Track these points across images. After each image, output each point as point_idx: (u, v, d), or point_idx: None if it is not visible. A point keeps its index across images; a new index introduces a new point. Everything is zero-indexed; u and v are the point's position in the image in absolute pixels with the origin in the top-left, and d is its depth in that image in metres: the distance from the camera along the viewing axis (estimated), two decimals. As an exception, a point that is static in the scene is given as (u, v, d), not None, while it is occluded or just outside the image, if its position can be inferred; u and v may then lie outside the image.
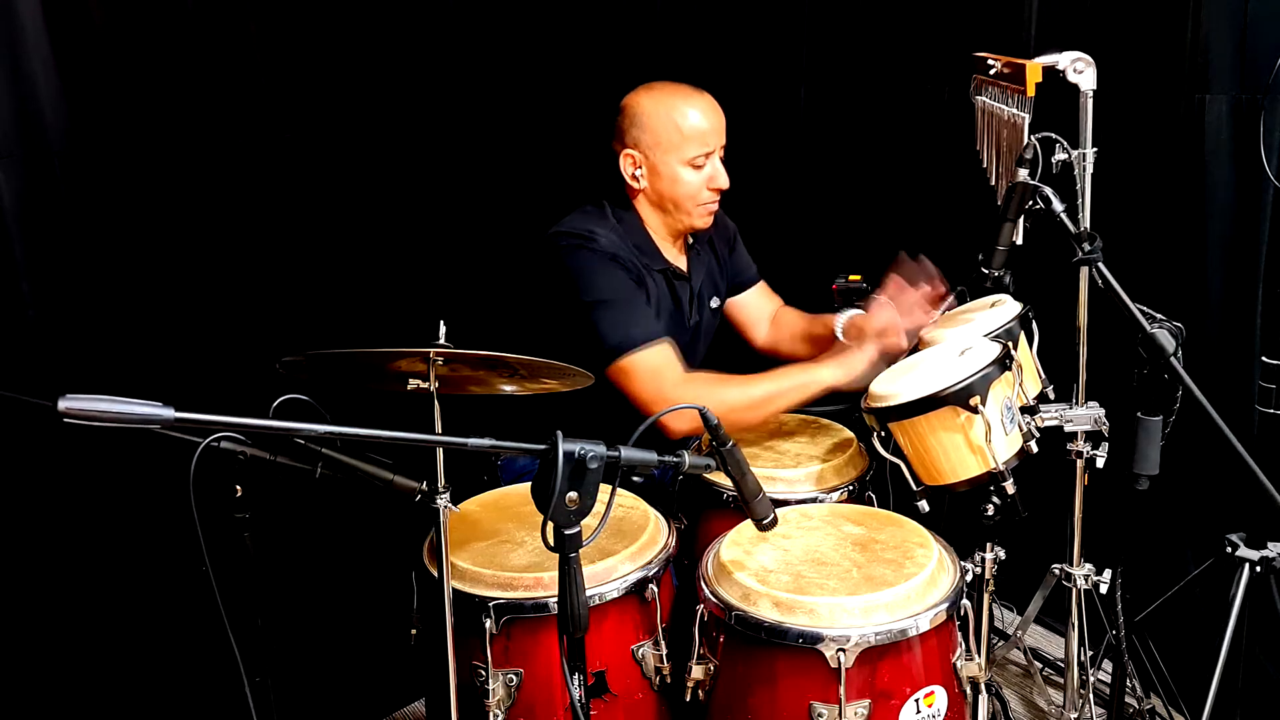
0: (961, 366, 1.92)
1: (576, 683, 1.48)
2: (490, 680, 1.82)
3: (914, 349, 2.19)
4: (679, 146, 2.21)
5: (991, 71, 2.07)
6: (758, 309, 2.59)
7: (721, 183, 2.26)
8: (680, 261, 2.37)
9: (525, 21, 2.70)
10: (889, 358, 2.15)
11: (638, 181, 2.26)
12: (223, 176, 2.31)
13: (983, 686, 1.96)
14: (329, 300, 2.49)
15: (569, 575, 1.41)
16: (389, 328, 2.05)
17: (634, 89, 2.26)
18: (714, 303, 2.45)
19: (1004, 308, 2.19)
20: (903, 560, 1.85)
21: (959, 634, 1.86)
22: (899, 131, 3.01)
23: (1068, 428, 2.05)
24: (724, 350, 2.53)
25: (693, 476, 2.22)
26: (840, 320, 2.32)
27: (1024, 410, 1.96)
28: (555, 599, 1.61)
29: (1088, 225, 1.97)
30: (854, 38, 3.11)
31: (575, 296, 2.13)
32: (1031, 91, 1.95)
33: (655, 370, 2.10)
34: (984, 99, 2.18)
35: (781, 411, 2.20)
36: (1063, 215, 1.88)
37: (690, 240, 2.40)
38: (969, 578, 1.94)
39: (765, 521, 1.64)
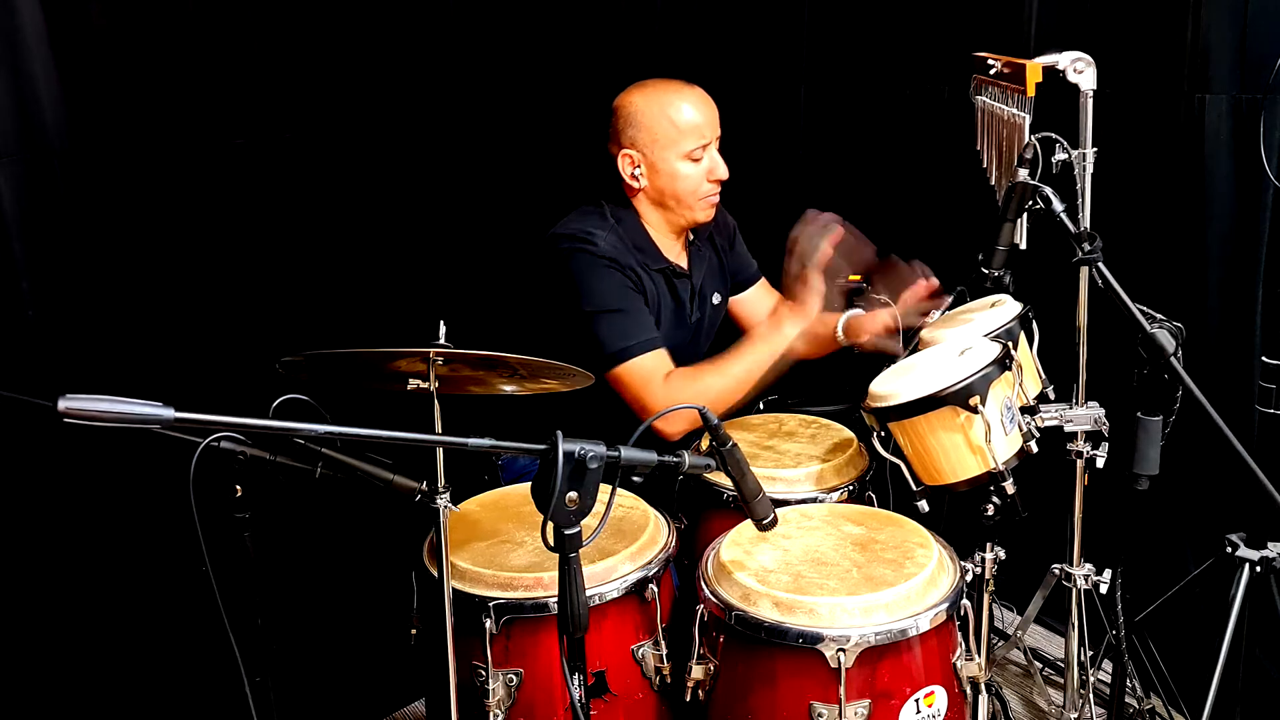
0: (961, 366, 1.91)
1: (576, 683, 1.48)
2: (490, 680, 1.82)
3: (914, 349, 2.19)
4: (675, 141, 2.21)
5: (991, 71, 2.07)
6: (759, 305, 2.59)
7: (721, 173, 2.27)
8: (681, 259, 2.37)
9: (525, 21, 2.70)
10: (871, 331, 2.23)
11: (637, 181, 2.26)
12: (223, 176, 2.31)
13: (983, 686, 1.96)
14: (329, 300, 2.49)
15: (569, 575, 1.41)
16: (389, 328, 2.05)
17: (624, 89, 2.27)
18: (715, 299, 2.45)
19: (1004, 308, 2.19)
20: (903, 560, 1.85)
21: (959, 634, 1.86)
22: (899, 131, 3.00)
23: (1068, 428, 2.05)
24: (723, 346, 2.53)
25: (693, 476, 2.22)
26: (840, 321, 2.33)
27: (1024, 410, 1.96)
28: (555, 599, 1.61)
29: (1088, 225, 1.97)
30: (854, 38, 3.11)
31: (576, 304, 2.14)
32: (1031, 91, 1.95)
33: (643, 377, 2.13)
34: (984, 99, 2.18)
35: (765, 378, 2.18)
36: (1063, 215, 1.87)
37: (691, 237, 2.40)
38: (969, 578, 1.94)
39: (765, 521, 1.64)
